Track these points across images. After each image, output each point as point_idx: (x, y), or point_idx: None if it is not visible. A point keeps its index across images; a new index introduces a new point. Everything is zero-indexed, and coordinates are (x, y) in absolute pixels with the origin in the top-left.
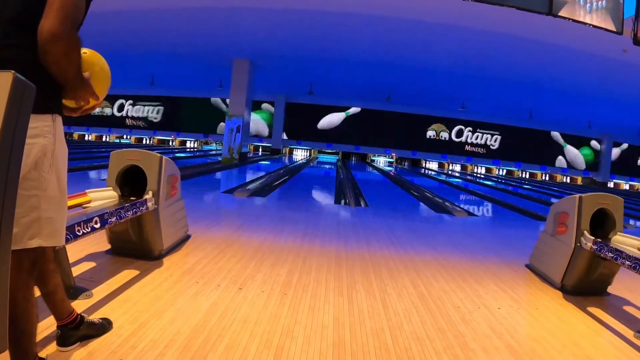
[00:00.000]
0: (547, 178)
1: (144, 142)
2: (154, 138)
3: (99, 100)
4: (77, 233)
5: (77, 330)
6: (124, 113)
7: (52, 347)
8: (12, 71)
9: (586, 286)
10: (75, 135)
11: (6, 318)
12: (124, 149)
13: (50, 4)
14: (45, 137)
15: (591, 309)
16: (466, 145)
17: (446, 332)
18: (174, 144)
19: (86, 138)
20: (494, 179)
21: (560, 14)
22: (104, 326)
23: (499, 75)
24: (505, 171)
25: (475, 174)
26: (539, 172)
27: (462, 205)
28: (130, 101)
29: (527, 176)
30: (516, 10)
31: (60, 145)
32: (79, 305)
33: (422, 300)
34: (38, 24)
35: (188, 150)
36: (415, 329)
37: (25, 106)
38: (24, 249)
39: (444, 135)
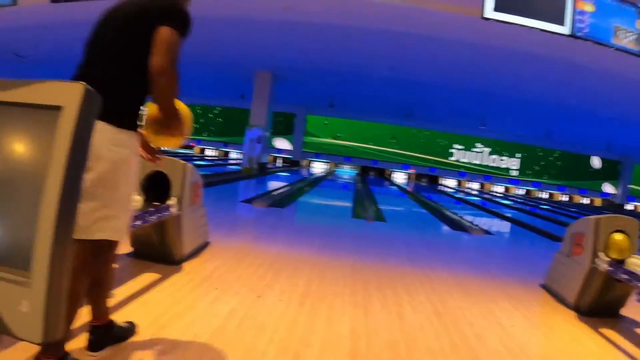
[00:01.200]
0: (565, 199)
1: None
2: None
3: (185, 134)
4: None
5: (108, 334)
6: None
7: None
8: (83, 82)
9: (600, 307)
10: None
11: (65, 306)
12: None
13: (158, 45)
14: (127, 148)
15: (604, 330)
16: (484, 163)
17: (459, 347)
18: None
19: None
20: (511, 198)
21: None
22: (131, 330)
23: (518, 93)
24: (525, 191)
25: (493, 193)
26: (557, 193)
27: (478, 224)
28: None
29: (547, 196)
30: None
31: (135, 156)
32: None
33: (437, 316)
34: (131, 59)
35: (208, 158)
36: (430, 343)
37: (93, 112)
38: (90, 239)
39: (462, 152)
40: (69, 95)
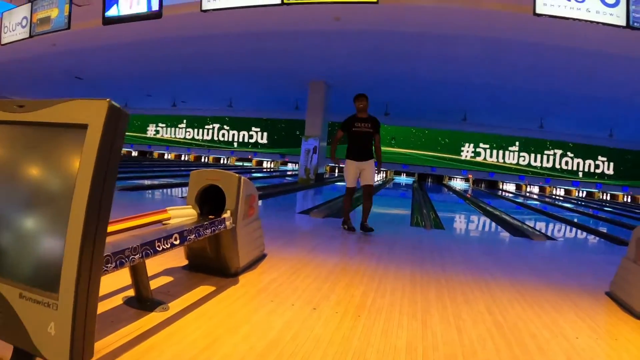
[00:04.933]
0: (628, 200)
1: (221, 161)
2: (231, 158)
3: None
4: (157, 249)
5: None
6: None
7: None
8: (108, 99)
9: None
10: (155, 154)
11: (93, 328)
12: (203, 169)
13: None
14: None
15: None
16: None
17: None
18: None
19: (166, 157)
20: (573, 200)
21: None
22: None
23: (578, 92)
24: (585, 193)
25: (554, 196)
26: (620, 194)
27: (540, 229)
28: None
29: (608, 198)
30: (595, 24)
31: None
32: (156, 318)
33: (497, 327)
34: None
35: (265, 170)
36: (489, 357)
37: (119, 127)
38: None
39: (520, 154)
40: (94, 113)
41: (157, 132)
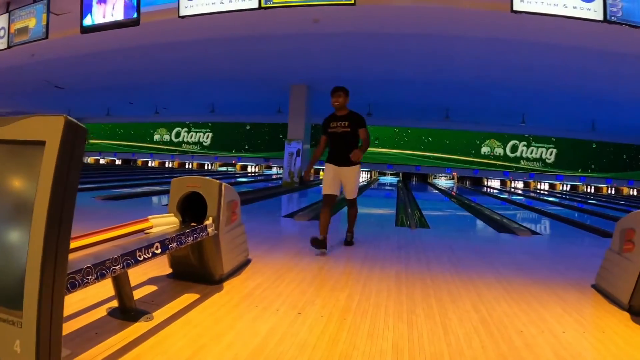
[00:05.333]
0: (612, 192)
1: (205, 167)
2: (215, 163)
3: None
4: (139, 258)
5: None
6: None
7: None
8: (65, 115)
9: None
10: (139, 162)
11: (59, 345)
12: (184, 176)
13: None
14: None
15: None
16: (521, 160)
17: (508, 358)
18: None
19: (150, 164)
20: (558, 194)
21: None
22: None
23: (559, 87)
24: (569, 186)
25: (538, 191)
26: (604, 186)
27: (525, 224)
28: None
29: (592, 190)
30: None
31: None
32: (140, 328)
33: (484, 325)
34: None
35: (249, 175)
36: (476, 355)
37: (77, 143)
38: None
39: (499, 151)
40: (51, 129)
41: (141, 139)
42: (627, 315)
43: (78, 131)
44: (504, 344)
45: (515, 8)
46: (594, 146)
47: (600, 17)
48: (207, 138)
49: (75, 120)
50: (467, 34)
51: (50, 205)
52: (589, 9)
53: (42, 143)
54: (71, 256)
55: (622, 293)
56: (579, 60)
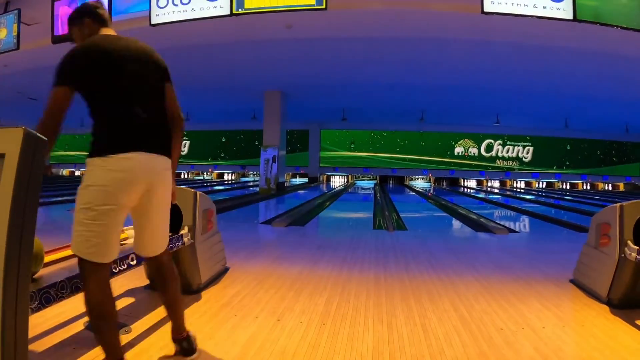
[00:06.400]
0: (588, 187)
1: (182, 176)
2: (191, 172)
3: None
4: (114, 270)
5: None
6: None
7: None
8: (23, 127)
9: (633, 299)
10: None
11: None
12: None
13: (174, 99)
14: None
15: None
16: (497, 160)
17: (489, 356)
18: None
19: None
20: (534, 192)
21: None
22: None
23: (531, 86)
24: (545, 184)
25: (514, 189)
26: (579, 182)
27: (502, 222)
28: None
29: (568, 187)
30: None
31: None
32: None
33: (464, 324)
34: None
35: (226, 182)
36: (457, 354)
37: (36, 155)
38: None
39: (473, 151)
40: (10, 141)
41: None
42: (605, 308)
43: (38, 143)
44: (484, 342)
45: (485, 9)
46: (568, 147)
47: (570, 16)
48: (184, 147)
49: (34, 132)
50: (439, 36)
51: (11, 219)
52: (558, 9)
53: (1, 156)
54: (45, 270)
55: (600, 286)
56: (551, 60)
